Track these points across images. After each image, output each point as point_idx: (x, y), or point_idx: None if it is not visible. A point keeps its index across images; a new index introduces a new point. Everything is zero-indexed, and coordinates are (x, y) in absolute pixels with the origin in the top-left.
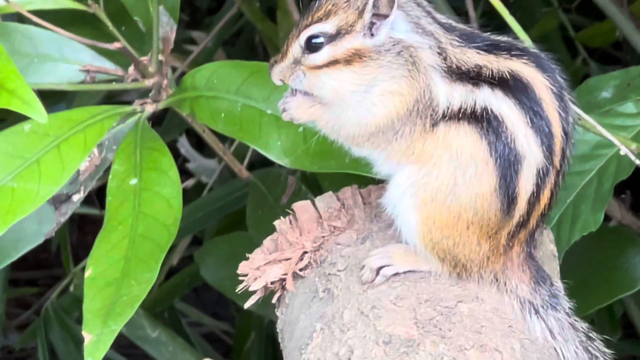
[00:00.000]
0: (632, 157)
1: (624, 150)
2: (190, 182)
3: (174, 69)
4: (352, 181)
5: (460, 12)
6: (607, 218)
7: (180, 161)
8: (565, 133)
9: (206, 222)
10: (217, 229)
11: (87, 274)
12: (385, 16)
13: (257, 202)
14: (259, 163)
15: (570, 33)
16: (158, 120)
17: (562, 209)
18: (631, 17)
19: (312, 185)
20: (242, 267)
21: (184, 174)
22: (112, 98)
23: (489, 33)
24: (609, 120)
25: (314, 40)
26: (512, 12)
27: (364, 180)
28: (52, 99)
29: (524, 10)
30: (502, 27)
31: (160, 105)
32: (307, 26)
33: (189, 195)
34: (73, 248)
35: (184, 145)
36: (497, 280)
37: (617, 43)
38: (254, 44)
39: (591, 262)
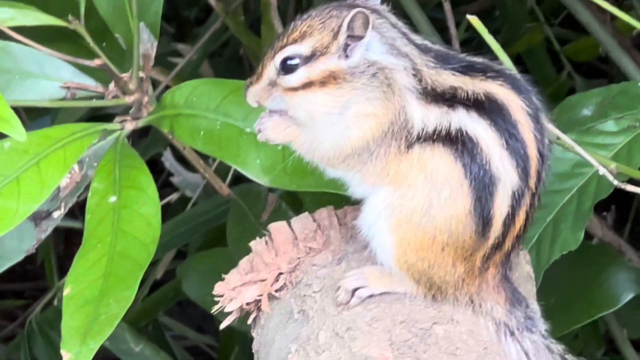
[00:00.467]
0: (610, 178)
1: (602, 170)
2: (174, 196)
3: (158, 83)
4: (333, 199)
5: (444, 27)
6: (589, 236)
7: (165, 175)
8: (541, 155)
9: (190, 236)
10: (201, 243)
11: (66, 292)
12: (360, 37)
13: (238, 219)
14: (243, 178)
15: (556, 47)
16: (144, 132)
17: (542, 228)
18: (614, 33)
19: (294, 202)
20: (218, 288)
21: (169, 187)
22: (98, 111)
23: (465, 54)
24: (590, 139)
25: (289, 62)
26: (497, 26)
27: (344, 198)
28: (37, 113)
29: (509, 23)
30: (485, 42)
31: (140, 123)
32: (282, 47)
33: (173, 209)
34: (60, 259)
35: (169, 159)
36: (472, 302)
37: (604, 56)
38: (240, 56)
39: (573, 280)
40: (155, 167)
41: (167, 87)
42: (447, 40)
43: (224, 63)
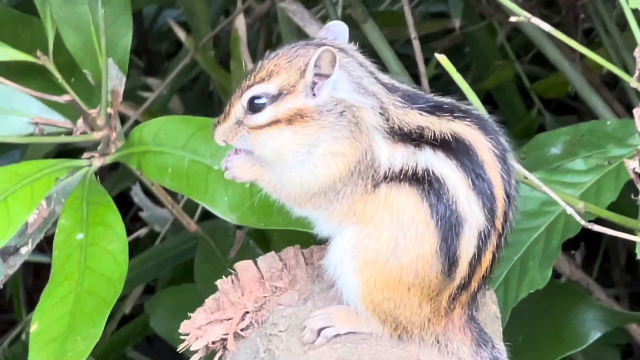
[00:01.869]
0: (577, 217)
1: (568, 210)
2: (143, 231)
3: (128, 118)
4: (302, 237)
5: (414, 63)
6: (557, 274)
7: (135, 209)
8: (508, 196)
9: (158, 271)
10: (170, 278)
11: (33, 328)
12: (327, 76)
13: (205, 255)
14: (212, 214)
15: (526, 84)
16: (114, 165)
17: (510, 266)
18: (583, 71)
19: (262, 239)
20: (184, 327)
21: (138, 222)
22: (67, 145)
23: (433, 94)
24: (558, 177)
25: (256, 101)
26: (468, 62)
27: (312, 236)
28: (5, 147)
29: (479, 60)
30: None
31: (108, 160)
32: (249, 87)
33: (142, 244)
34: (29, 293)
35: (138, 194)
36: (438, 342)
37: (574, 93)
38: (211, 91)
39: (541, 318)
40: (125, 201)
41: (136, 122)
42: (416, 76)
43: (194, 98)
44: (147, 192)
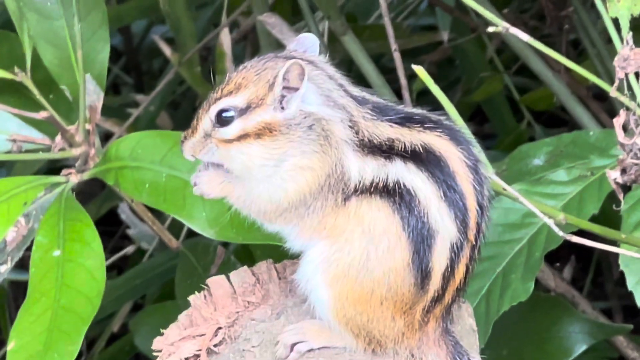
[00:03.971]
0: (556, 229)
1: (547, 221)
2: (130, 249)
3: (112, 135)
4: (284, 251)
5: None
6: (546, 289)
7: (124, 227)
8: (480, 206)
9: (146, 288)
10: (157, 295)
11: (10, 346)
12: (296, 89)
13: (186, 272)
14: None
15: (515, 96)
16: (101, 185)
17: (492, 279)
18: (570, 83)
19: (246, 255)
20: (157, 343)
21: (126, 239)
22: (56, 163)
23: (403, 106)
24: (541, 188)
25: (224, 114)
26: (457, 75)
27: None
28: None
29: (468, 73)
30: (449, 88)
31: (85, 176)
32: (217, 100)
33: (131, 261)
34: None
35: (125, 211)
36: (413, 356)
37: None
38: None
39: (526, 331)
40: (114, 219)
41: None
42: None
43: (184, 114)
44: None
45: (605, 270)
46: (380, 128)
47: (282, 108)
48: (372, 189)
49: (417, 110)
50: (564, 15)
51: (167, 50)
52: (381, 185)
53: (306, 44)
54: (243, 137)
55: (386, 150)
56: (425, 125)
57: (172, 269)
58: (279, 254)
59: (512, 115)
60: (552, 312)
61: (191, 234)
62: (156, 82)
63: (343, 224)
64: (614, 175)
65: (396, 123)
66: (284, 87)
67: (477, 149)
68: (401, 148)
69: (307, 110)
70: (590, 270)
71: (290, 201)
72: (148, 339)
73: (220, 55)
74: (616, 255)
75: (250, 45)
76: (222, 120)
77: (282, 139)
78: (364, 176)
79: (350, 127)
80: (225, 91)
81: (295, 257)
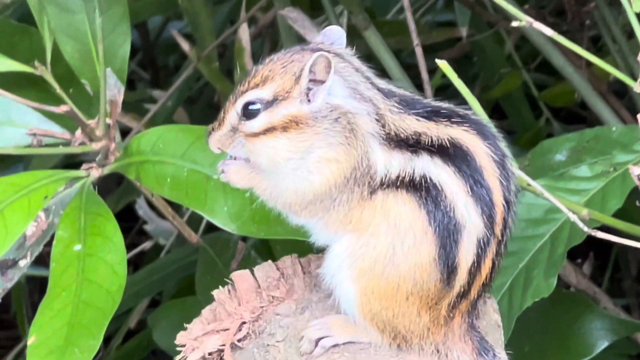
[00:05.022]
0: (580, 224)
1: (571, 217)
2: (148, 244)
3: (129, 130)
4: (304, 247)
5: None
6: (566, 285)
7: (141, 222)
8: (507, 202)
9: (163, 284)
10: (175, 291)
11: (30, 341)
12: (322, 82)
13: (207, 267)
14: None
15: (534, 92)
16: (121, 179)
17: (515, 274)
18: (590, 78)
19: (266, 250)
20: (180, 338)
21: (142, 235)
22: (73, 158)
23: (430, 99)
24: (563, 184)
25: (250, 107)
26: (475, 72)
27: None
28: (9, 161)
29: (486, 69)
30: (469, 84)
31: (106, 170)
32: (243, 93)
33: (147, 257)
34: (35, 308)
35: (142, 207)
36: (438, 351)
37: (583, 101)
38: (216, 102)
39: (547, 328)
40: (132, 214)
41: None
42: (422, 86)
43: (200, 109)
44: (153, 205)
45: (623, 268)
46: (407, 121)
47: (309, 101)
48: (398, 183)
49: (444, 104)
50: (585, 11)
51: (185, 45)
52: (407, 179)
53: (332, 36)
54: (269, 130)
55: (413, 144)
56: (452, 120)
57: (189, 265)
58: (299, 249)
59: (531, 112)
60: (574, 309)
61: (209, 229)
62: (172, 78)
63: (369, 218)
64: (637, 171)
65: (423, 117)
66: (311, 80)
67: (504, 144)
68: (428, 142)
69: (333, 103)
70: (609, 267)
71: (315, 193)
72: (167, 334)
73: (239, 50)
74: (635, 252)
75: (269, 40)
76: (248, 113)
77: (308, 132)
78: (390, 170)
79: (376, 120)
80: (252, 84)
81: (318, 252)
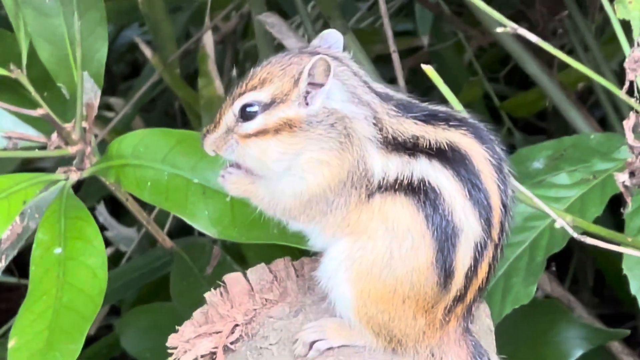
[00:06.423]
0: (569, 230)
1: (561, 223)
2: (108, 251)
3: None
4: (277, 252)
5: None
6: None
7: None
8: (504, 206)
9: (125, 291)
10: (135, 298)
11: (11, 344)
12: (321, 85)
13: (182, 272)
14: (177, 231)
15: (495, 102)
16: (74, 187)
17: (494, 282)
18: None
19: (236, 255)
20: (172, 340)
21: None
22: (27, 165)
23: (427, 103)
24: (543, 192)
25: (248, 109)
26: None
27: (289, 251)
28: None
29: (447, 78)
30: (427, 94)
31: (85, 174)
32: (241, 94)
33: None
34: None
35: (102, 213)
36: (433, 355)
37: (541, 113)
38: (171, 111)
39: (522, 336)
40: None
41: (102, 141)
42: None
43: (157, 117)
44: (112, 212)
45: (580, 279)
46: (404, 125)
47: (307, 104)
48: (396, 186)
49: (442, 108)
50: (557, 19)
51: (148, 52)
52: (405, 182)
53: (330, 40)
54: (262, 133)
55: (411, 148)
56: (450, 123)
57: (152, 271)
58: (272, 256)
59: (492, 122)
60: (549, 316)
61: (170, 235)
62: (121, 87)
63: (367, 221)
64: (622, 178)
65: (421, 120)
66: (309, 83)
67: (501, 148)
68: (426, 145)
69: (330, 107)
70: (567, 279)
71: (311, 193)
72: (135, 340)
73: (204, 57)
74: (593, 264)
75: (231, 48)
76: (245, 115)
77: (300, 136)
78: (388, 173)
79: (374, 124)
80: (250, 86)
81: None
